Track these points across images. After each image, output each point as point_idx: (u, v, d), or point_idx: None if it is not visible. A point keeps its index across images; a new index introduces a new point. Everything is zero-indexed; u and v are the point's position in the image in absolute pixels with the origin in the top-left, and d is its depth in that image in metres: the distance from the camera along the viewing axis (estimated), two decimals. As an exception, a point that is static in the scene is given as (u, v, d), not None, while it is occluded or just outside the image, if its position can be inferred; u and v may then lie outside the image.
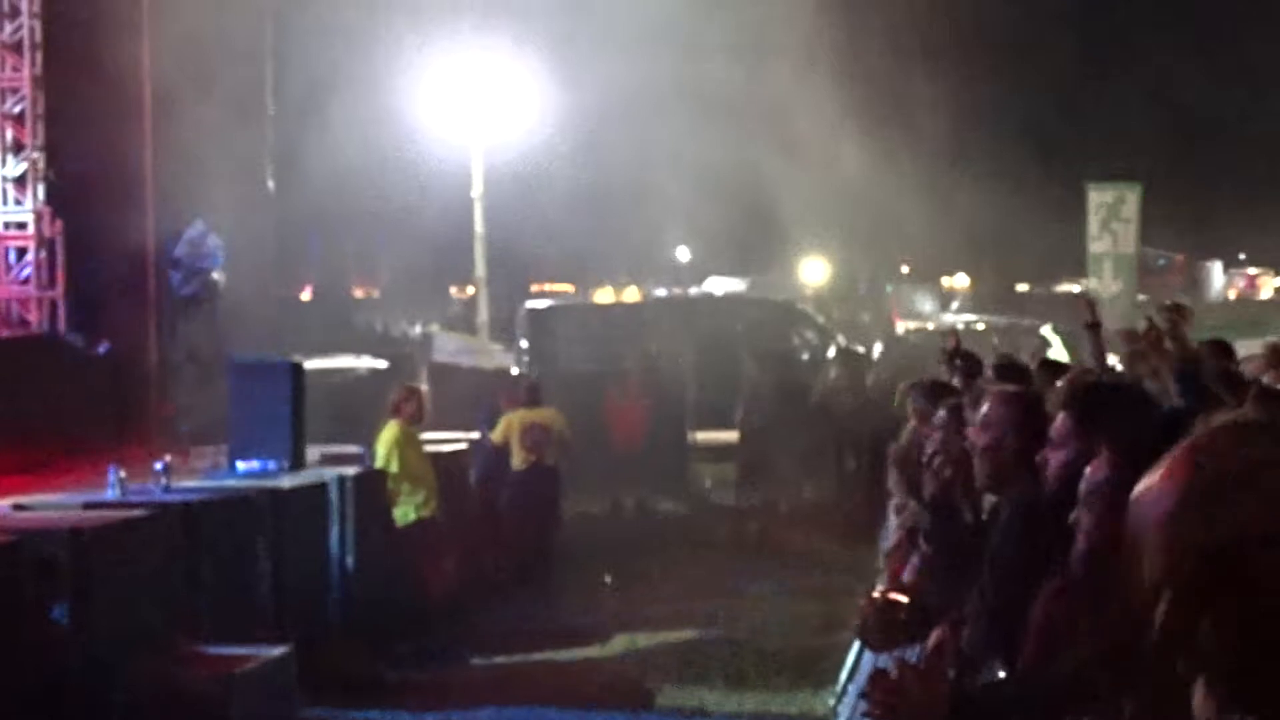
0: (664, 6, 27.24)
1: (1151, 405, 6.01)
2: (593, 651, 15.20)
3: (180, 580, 12.08)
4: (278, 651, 12.14)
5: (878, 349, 32.93)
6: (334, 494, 15.06)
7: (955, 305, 57.04)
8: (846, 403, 23.82)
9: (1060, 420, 5.72)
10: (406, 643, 14.63)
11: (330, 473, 15.37)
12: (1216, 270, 63.24)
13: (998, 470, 6.54)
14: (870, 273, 57.22)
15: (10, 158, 20.03)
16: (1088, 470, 4.76)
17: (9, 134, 20.14)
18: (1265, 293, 61.57)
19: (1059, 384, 8.25)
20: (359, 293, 30.10)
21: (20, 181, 19.99)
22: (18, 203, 20.01)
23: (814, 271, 56.02)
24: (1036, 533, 5.62)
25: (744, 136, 30.78)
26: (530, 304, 32.04)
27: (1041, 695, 4.45)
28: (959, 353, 12.34)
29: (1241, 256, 65.23)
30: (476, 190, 30.07)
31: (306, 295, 27.63)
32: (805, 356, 30.68)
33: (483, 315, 30.95)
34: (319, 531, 14.61)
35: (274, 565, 13.50)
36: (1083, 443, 5.30)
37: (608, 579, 18.34)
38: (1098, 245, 32.64)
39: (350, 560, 14.91)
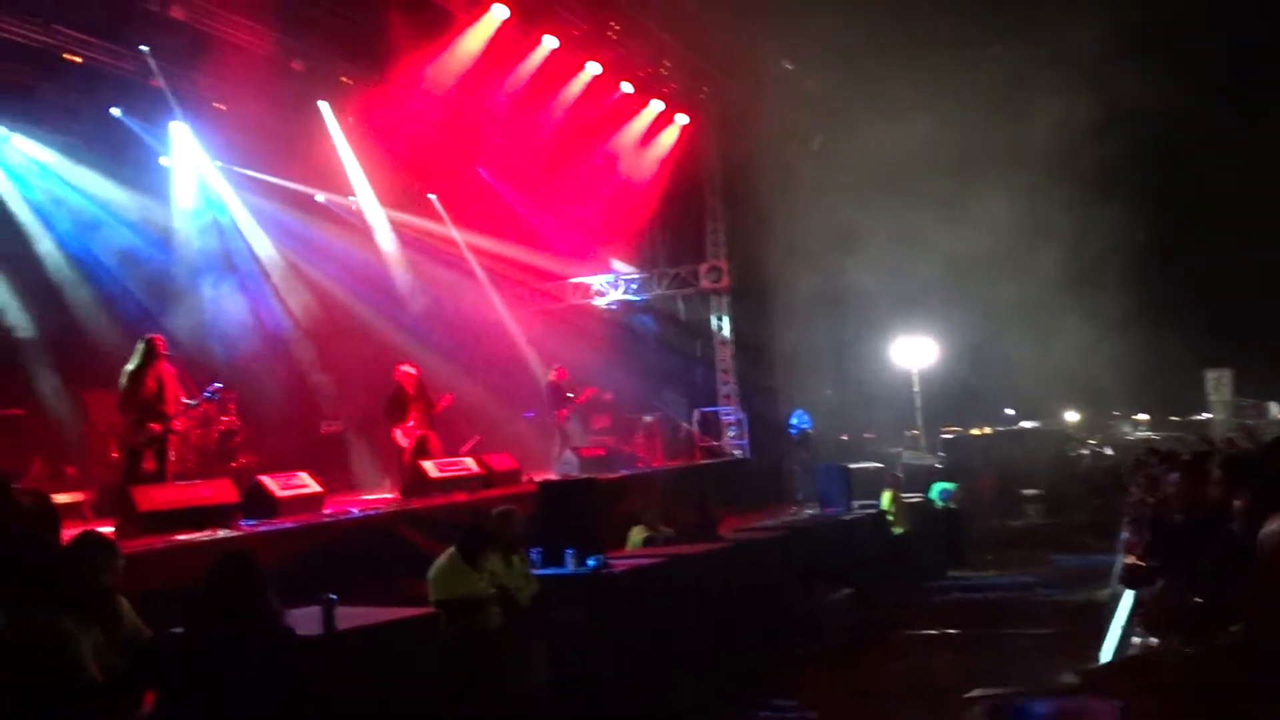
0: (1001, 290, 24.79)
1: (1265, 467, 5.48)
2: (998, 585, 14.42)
3: (805, 557, 12.07)
4: (847, 591, 11.99)
5: (1108, 450, 30.38)
6: (866, 521, 14.84)
7: (1141, 428, 52.20)
8: (1093, 475, 22.35)
9: (1215, 473, 5.27)
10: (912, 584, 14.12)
11: (863, 514, 15.16)
12: (1274, 406, 57.00)
13: (1184, 505, 6.07)
14: (1097, 415, 52.40)
15: (723, 388, 20.70)
16: (1235, 501, 4.38)
17: (725, 382, 20.84)
18: (1299, 416, 54.45)
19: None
20: (868, 435, 29.39)
21: (728, 397, 20.64)
22: (727, 408, 20.59)
23: (1071, 415, 51.73)
24: (1207, 536, 5.16)
25: (1035, 344, 28.46)
26: (943, 435, 30.94)
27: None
28: (1157, 453, 11.10)
29: (1288, 397, 57.72)
30: (915, 387, 29.36)
31: (845, 437, 27.27)
32: (1071, 454, 28.91)
33: (922, 441, 29.87)
34: (863, 536, 14.36)
35: (844, 549, 13.31)
36: (1229, 485, 4.86)
37: (989, 557, 17.44)
38: (1214, 396, 29.91)
39: (874, 550, 14.56)
